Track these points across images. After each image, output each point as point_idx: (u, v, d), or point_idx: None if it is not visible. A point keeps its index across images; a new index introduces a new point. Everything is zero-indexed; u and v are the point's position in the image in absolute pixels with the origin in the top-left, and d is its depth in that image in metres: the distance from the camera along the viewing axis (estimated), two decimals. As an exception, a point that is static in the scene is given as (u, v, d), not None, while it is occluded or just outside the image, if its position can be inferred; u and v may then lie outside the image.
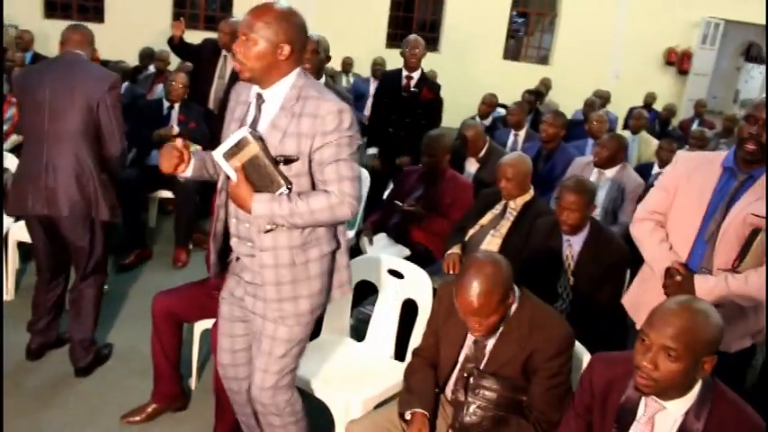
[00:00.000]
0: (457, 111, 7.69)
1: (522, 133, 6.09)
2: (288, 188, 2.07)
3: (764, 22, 10.64)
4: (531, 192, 3.61)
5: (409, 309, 2.97)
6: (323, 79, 4.16)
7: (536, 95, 8.25)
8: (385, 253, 3.53)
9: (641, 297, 2.67)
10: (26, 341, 3.41)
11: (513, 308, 2.23)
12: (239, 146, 2.03)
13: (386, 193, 4.78)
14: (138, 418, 3.03)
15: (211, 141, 4.47)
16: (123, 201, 3.44)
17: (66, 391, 3.22)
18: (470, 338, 2.30)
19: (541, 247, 3.21)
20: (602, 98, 8.49)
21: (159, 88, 6.87)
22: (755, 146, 2.35)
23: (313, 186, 2.13)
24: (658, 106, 9.83)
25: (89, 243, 3.22)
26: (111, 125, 3.14)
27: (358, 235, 4.15)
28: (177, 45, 5.69)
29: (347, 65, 9.64)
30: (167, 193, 5.04)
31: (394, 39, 12.12)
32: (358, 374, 2.83)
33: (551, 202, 3.94)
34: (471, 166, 4.84)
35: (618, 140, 4.49)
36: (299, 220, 2.08)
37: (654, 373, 1.69)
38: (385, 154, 5.31)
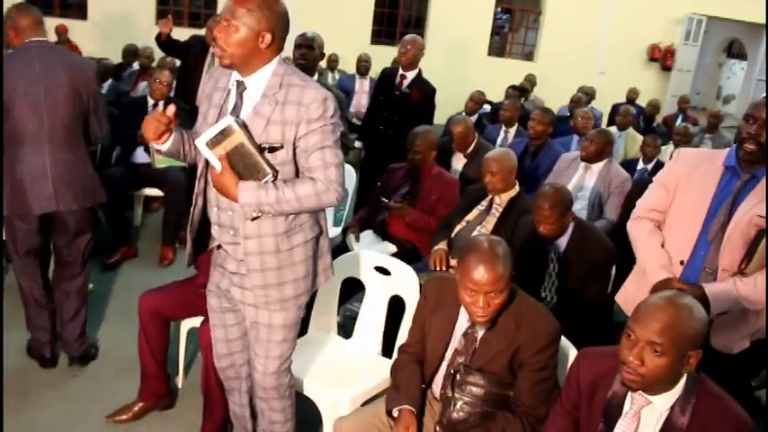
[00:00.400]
0: (442, 107, 7.65)
1: (513, 130, 5.97)
2: (273, 176, 2.06)
3: (746, 19, 10.74)
4: (517, 188, 3.62)
5: (396, 305, 2.98)
6: (315, 77, 4.13)
7: (521, 92, 8.24)
8: (371, 250, 3.54)
9: (637, 295, 2.64)
10: (11, 340, 3.38)
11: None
12: (224, 134, 2.00)
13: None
14: (124, 417, 3.02)
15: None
16: (108, 199, 3.42)
17: (52, 391, 3.20)
18: (459, 332, 2.29)
19: (526, 245, 3.20)
20: (587, 94, 8.50)
21: (143, 85, 6.82)
22: (755, 146, 2.33)
23: (297, 174, 2.13)
24: (642, 102, 9.87)
25: (92, 229, 3.26)
26: (99, 111, 3.22)
27: (344, 232, 4.15)
28: (165, 42, 5.66)
29: (333, 62, 9.60)
30: (152, 191, 4.98)
31: (379, 35, 12.13)
32: (346, 371, 2.83)
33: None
34: (458, 162, 4.83)
35: (606, 135, 4.53)
36: (286, 207, 2.08)
37: (640, 368, 1.70)
38: (372, 151, 5.30)
